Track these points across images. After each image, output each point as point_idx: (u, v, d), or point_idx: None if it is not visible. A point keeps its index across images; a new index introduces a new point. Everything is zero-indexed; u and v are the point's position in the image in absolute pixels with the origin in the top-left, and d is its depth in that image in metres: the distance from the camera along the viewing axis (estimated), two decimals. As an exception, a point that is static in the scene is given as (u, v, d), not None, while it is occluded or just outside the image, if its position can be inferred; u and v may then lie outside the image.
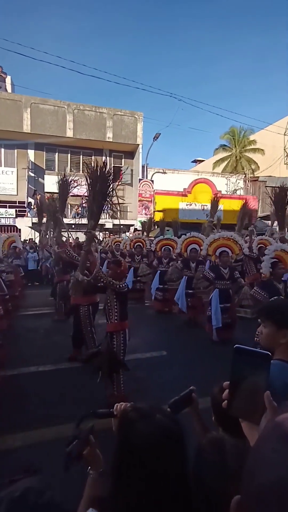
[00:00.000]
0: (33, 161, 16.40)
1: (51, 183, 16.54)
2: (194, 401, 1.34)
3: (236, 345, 0.67)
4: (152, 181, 16.59)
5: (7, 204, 15.88)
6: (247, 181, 19.23)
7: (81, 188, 18.10)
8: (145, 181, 16.39)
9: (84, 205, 16.38)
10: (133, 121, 16.87)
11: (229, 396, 0.67)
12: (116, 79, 33.75)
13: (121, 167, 18.03)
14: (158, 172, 17.24)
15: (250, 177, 19.70)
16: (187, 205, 16.94)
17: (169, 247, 8.04)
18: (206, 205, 17.29)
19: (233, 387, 0.66)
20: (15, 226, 15.30)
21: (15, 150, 16.33)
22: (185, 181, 17.08)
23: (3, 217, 15.70)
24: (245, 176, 19.59)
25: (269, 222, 19.82)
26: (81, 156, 17.48)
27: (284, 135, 20.10)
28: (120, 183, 17.90)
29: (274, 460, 0.37)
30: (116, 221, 16.47)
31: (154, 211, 16.34)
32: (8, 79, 17.66)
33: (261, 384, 0.63)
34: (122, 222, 16.77)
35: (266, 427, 0.42)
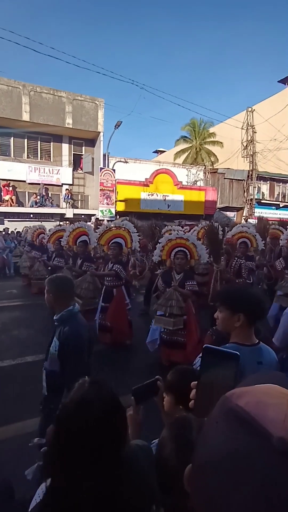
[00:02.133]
0: (-15, 145, 15.33)
1: (6, 170, 15.64)
2: (159, 390, 1.36)
3: (205, 345, 0.67)
4: (114, 170, 16.34)
5: None
6: (207, 172, 19.70)
7: (41, 175, 17.38)
8: (106, 170, 16.10)
9: (43, 193, 15.76)
10: (94, 107, 16.38)
11: (196, 396, 0.66)
12: (75, 61, 32.43)
13: (82, 154, 17.52)
14: (120, 161, 17.02)
15: (210, 169, 20.20)
16: (148, 195, 16.98)
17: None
18: (168, 196, 17.50)
19: (201, 387, 0.65)
20: None
21: None
22: (147, 171, 17.07)
23: None
24: (205, 168, 20.04)
25: (228, 213, 20.60)
26: (39, 142, 16.66)
27: (242, 128, 20.81)
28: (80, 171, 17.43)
29: (215, 433, 0.39)
30: (77, 211, 16.11)
31: (116, 201, 16.17)
32: None
33: (229, 384, 0.63)
34: (83, 211, 16.40)
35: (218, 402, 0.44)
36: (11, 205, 15.09)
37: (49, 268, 6.95)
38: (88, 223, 6.15)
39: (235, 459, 0.34)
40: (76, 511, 0.78)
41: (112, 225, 5.32)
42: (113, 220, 12.66)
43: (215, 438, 0.38)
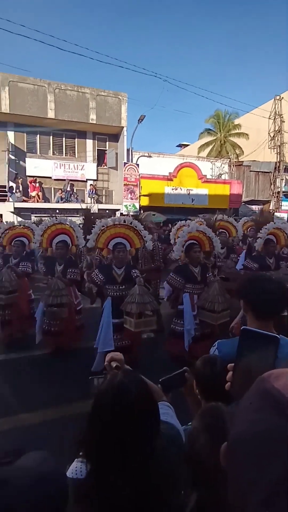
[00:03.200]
0: (13, 143, 15.78)
1: (33, 167, 16.07)
2: (187, 381, 1.38)
3: (244, 327, 0.67)
4: (137, 164, 16.34)
5: (-13, 189, 15.32)
6: (231, 165, 19.25)
7: (66, 171, 17.69)
8: (130, 164, 16.13)
9: (68, 189, 16.06)
10: (117, 102, 16.40)
11: (233, 378, 0.66)
12: (98, 56, 32.54)
13: (106, 150, 17.63)
14: (144, 156, 16.98)
15: (235, 161, 19.72)
16: (172, 189, 16.85)
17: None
18: (192, 190, 17.29)
19: (238, 368, 0.65)
20: (-4, 211, 14.83)
21: (-6, 132, 15.63)
22: (171, 165, 16.93)
23: (-17, 202, 15.18)
24: (230, 161, 19.58)
25: (253, 206, 20.08)
26: (63, 139, 16.95)
27: (269, 118, 20.11)
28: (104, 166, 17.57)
29: (248, 412, 0.40)
30: (101, 206, 16.29)
31: (139, 196, 16.19)
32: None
33: (268, 366, 0.62)
34: (108, 206, 16.56)
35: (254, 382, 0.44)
36: (37, 201, 15.50)
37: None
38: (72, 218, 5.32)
39: (266, 439, 0.35)
40: (107, 496, 0.80)
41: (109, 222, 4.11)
42: (137, 215, 12.69)
43: (248, 418, 0.39)
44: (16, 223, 5.55)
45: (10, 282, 4.48)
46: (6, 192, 15.10)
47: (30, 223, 6.02)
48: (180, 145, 31.38)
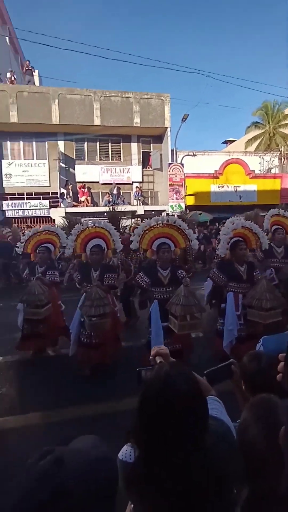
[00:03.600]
0: (63, 151, 16.68)
1: (81, 173, 16.83)
2: (234, 374, 1.37)
3: None
4: (182, 164, 16.24)
5: (41, 196, 16.38)
6: (282, 158, 18.21)
7: (112, 175, 18.19)
8: (175, 165, 16.09)
9: (115, 192, 16.52)
10: (160, 103, 16.48)
11: (285, 369, 0.66)
12: (141, 60, 32.95)
13: (150, 152, 17.80)
14: (188, 155, 16.82)
15: (286, 154, 18.62)
16: (219, 187, 16.45)
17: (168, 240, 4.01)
18: (239, 186, 16.70)
19: None
20: (49, 217, 15.79)
21: (46, 143, 16.67)
22: (216, 163, 16.53)
23: (37, 209, 16.25)
24: (280, 153, 18.54)
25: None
26: (109, 144, 17.48)
27: None
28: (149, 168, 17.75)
29: None
30: (147, 207, 16.47)
31: (185, 195, 16.06)
32: (36, 73, 17.93)
33: None
34: (153, 207, 16.70)
35: None
36: (86, 205, 16.19)
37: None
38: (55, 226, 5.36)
39: None
40: (152, 486, 0.81)
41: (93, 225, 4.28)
42: (183, 215, 12.61)
43: None
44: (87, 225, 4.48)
45: (44, 294, 4.10)
46: (58, 199, 16.01)
47: (56, 227, 5.54)
48: (226, 142, 30.46)
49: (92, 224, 4.31)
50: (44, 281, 4.31)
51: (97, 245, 4.14)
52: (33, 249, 4.61)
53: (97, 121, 15.85)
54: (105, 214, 14.60)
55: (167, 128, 16.57)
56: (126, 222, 10.20)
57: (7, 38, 19.15)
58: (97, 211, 15.02)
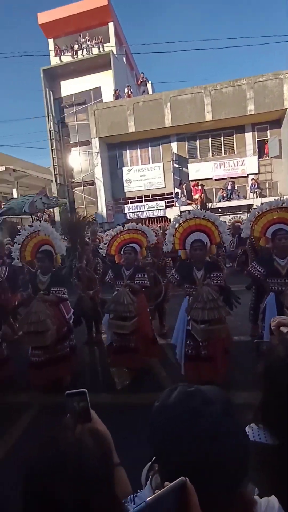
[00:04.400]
0: (176, 152, 17.21)
1: (194, 171, 17.01)
2: None
3: None
4: (306, 147, 14.43)
5: (157, 197, 17.37)
6: None
7: (226, 170, 17.67)
8: (296, 149, 14.45)
9: (229, 187, 16.04)
10: (278, 83, 15.05)
11: None
12: (254, 40, 30.74)
13: (267, 139, 16.49)
14: (313, 135, 14.82)
15: None
16: None
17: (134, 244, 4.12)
18: None
19: None
20: (165, 216, 16.57)
21: (160, 146, 17.54)
22: None
23: (154, 210, 17.31)
24: None
25: None
26: (222, 138, 17.05)
27: None
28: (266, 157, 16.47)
29: None
30: (265, 199, 15.33)
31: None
32: (149, 83, 19.07)
33: None
34: (272, 199, 15.43)
35: None
36: (200, 203, 16.26)
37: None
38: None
39: None
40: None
41: None
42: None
43: None
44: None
45: (133, 304, 3.58)
46: (173, 198, 16.64)
47: (143, 226, 4.56)
48: None
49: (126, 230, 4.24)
50: (134, 286, 3.80)
51: (130, 246, 4.04)
52: (117, 250, 4.22)
53: (208, 117, 15.70)
54: (219, 210, 14.37)
55: (286, 109, 15.02)
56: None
57: (123, 58, 21.00)
58: (210, 207, 14.92)
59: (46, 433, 0.65)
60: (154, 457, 0.68)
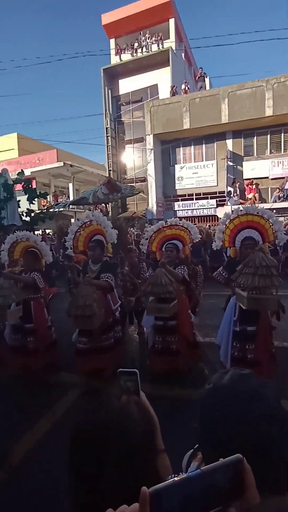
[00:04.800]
0: (231, 150, 16.66)
1: (250, 169, 16.33)
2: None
3: None
4: None
5: (208, 196, 17.02)
6: None
7: (284, 168, 16.72)
8: None
9: (286, 187, 15.14)
10: None
11: None
12: None
13: None
14: None
15: None
16: None
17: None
18: None
19: None
20: (216, 215, 16.19)
21: (215, 143, 17.12)
22: None
23: (205, 208, 16.99)
24: None
25: None
26: (282, 134, 16.10)
27: None
28: None
29: None
30: None
31: None
32: (207, 78, 18.68)
33: None
34: None
35: None
36: (254, 203, 15.58)
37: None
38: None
39: None
40: None
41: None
42: None
43: None
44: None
45: (172, 285, 3.36)
46: (225, 197, 16.18)
47: (186, 221, 4.25)
48: None
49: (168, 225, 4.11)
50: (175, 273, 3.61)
51: (172, 243, 4.02)
52: (158, 247, 4.10)
53: (268, 112, 14.91)
54: (274, 211, 13.62)
55: None
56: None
57: (182, 54, 20.82)
58: (265, 208, 14.22)
59: (94, 399, 0.70)
60: (197, 444, 0.69)
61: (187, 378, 3.55)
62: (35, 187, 9.19)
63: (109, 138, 19.75)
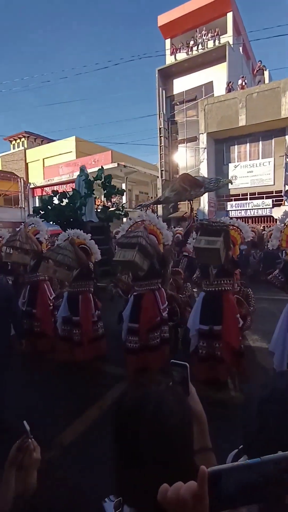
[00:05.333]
0: (291, 146, 15.68)
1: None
2: None
3: None
4: None
5: (264, 195, 16.21)
6: None
7: None
8: None
9: None
10: None
11: None
12: None
13: None
14: None
15: None
16: None
17: None
18: None
19: None
20: (272, 216, 15.38)
21: (272, 140, 16.25)
22: None
23: (260, 208, 16.23)
24: None
25: None
26: None
27: None
28: None
29: None
30: None
31: None
32: (266, 72, 17.79)
33: None
34: None
35: None
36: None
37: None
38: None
39: None
40: None
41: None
42: None
43: None
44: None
45: None
46: (282, 197, 15.28)
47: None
48: None
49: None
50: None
51: None
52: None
53: None
54: None
55: None
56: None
57: (240, 48, 20.08)
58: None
59: (137, 382, 0.76)
60: (241, 445, 0.69)
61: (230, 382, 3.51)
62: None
63: (162, 138, 19.85)
